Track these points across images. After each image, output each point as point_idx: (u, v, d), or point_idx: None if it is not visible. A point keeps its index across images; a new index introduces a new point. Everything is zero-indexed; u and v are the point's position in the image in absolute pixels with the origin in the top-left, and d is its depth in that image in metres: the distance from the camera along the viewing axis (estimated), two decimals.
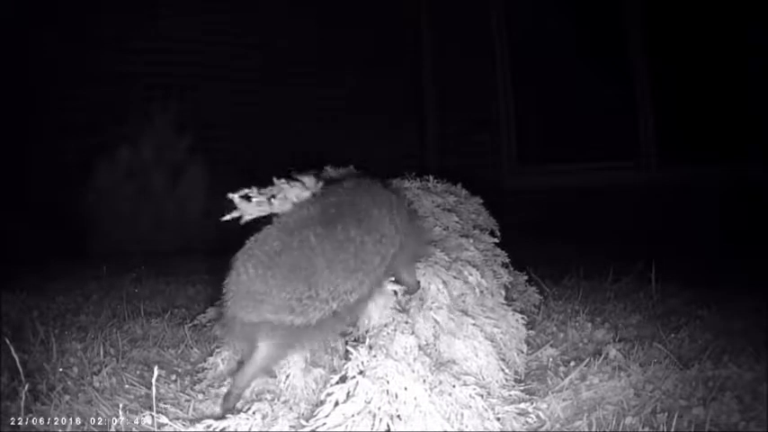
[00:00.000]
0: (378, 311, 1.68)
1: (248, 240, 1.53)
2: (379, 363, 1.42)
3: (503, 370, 1.69)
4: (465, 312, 1.77)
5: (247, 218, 1.60)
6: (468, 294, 1.83)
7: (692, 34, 4.69)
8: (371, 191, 1.69)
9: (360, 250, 1.51)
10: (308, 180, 1.71)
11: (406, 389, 1.37)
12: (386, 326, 1.61)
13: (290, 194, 1.65)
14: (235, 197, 1.58)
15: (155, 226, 4.71)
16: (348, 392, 1.36)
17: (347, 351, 1.50)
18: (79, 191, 4.55)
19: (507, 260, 2.32)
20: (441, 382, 1.45)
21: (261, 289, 1.43)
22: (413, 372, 1.42)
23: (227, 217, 1.59)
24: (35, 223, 4.13)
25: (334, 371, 1.63)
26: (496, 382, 1.65)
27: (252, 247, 1.51)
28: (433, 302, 1.73)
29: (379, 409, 1.32)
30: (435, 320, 1.68)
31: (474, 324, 1.71)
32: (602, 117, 5.12)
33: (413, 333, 1.58)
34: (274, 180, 1.68)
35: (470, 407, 1.41)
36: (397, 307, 1.70)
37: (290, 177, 1.70)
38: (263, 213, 1.62)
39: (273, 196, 1.65)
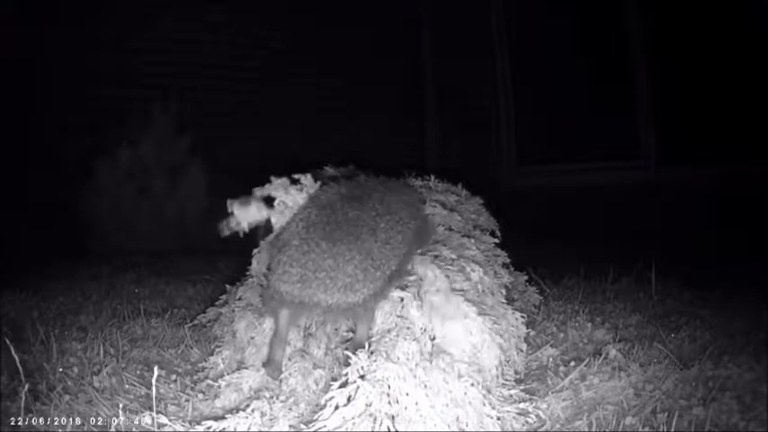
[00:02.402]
0: (382, 317, 1.67)
1: (292, 221, 1.60)
2: (379, 366, 1.42)
3: (500, 346, 1.67)
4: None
5: (246, 226, 1.61)
6: (469, 291, 1.83)
7: (692, 34, 4.69)
8: (385, 181, 1.83)
9: (388, 228, 1.62)
10: (307, 180, 1.72)
11: (407, 394, 1.37)
12: (389, 331, 1.60)
13: (288, 200, 1.66)
14: (234, 204, 1.59)
15: (155, 226, 4.71)
16: (349, 397, 1.36)
17: (347, 357, 1.50)
18: (79, 191, 4.54)
19: (508, 260, 2.32)
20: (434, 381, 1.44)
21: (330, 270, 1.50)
22: (414, 377, 1.41)
23: (228, 232, 1.61)
24: (35, 223, 4.13)
25: (334, 379, 1.63)
26: (495, 367, 1.64)
27: (302, 227, 1.57)
28: (430, 286, 1.73)
29: (380, 411, 1.32)
30: (431, 304, 1.68)
31: (465, 300, 1.70)
32: (602, 117, 5.12)
33: (415, 339, 1.57)
34: (272, 179, 1.69)
35: (470, 402, 1.41)
36: (402, 314, 1.69)
37: (289, 177, 1.71)
38: (261, 220, 1.63)
39: (272, 198, 1.66)
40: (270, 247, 1.74)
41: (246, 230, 1.64)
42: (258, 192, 1.68)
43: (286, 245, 1.57)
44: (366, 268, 1.53)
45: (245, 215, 1.62)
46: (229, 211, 1.64)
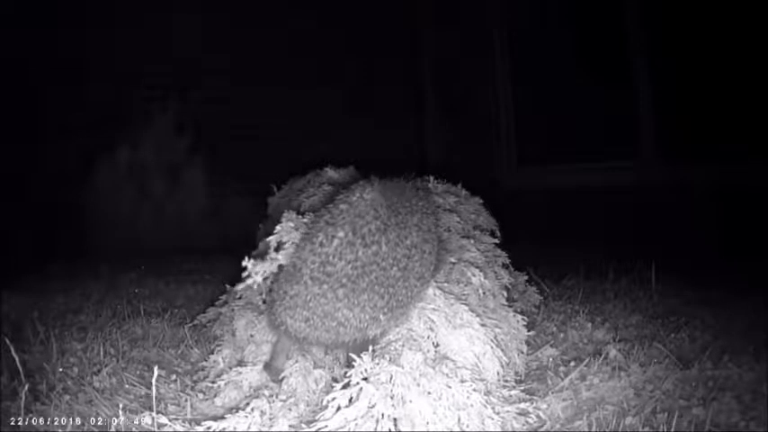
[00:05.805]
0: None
1: (309, 237, 1.47)
2: (383, 368, 1.41)
3: (500, 359, 1.67)
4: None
5: (259, 279, 1.61)
6: (471, 295, 1.83)
7: (692, 34, 4.69)
8: (422, 194, 1.69)
9: (422, 260, 1.52)
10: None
11: (410, 401, 1.36)
12: (394, 342, 1.59)
13: (287, 239, 1.66)
14: (248, 264, 1.59)
15: (155, 226, 4.71)
16: (351, 398, 1.35)
17: (349, 358, 1.49)
18: (79, 191, 4.55)
19: (508, 261, 2.32)
20: (438, 385, 1.44)
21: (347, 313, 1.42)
22: (418, 386, 1.41)
23: (242, 286, 1.60)
24: (35, 223, 4.13)
25: (334, 379, 1.62)
26: (496, 373, 1.64)
27: (318, 262, 1.42)
28: (429, 303, 1.72)
29: (383, 415, 1.32)
30: (431, 319, 1.68)
31: (468, 310, 1.69)
32: (602, 117, 5.12)
33: (420, 350, 1.56)
34: (282, 219, 1.69)
35: (472, 405, 1.41)
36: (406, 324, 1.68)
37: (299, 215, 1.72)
38: (274, 268, 1.63)
39: (281, 244, 1.66)
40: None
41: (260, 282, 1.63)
42: (269, 240, 1.68)
43: (295, 275, 1.44)
44: (391, 308, 1.45)
45: (259, 270, 1.61)
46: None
